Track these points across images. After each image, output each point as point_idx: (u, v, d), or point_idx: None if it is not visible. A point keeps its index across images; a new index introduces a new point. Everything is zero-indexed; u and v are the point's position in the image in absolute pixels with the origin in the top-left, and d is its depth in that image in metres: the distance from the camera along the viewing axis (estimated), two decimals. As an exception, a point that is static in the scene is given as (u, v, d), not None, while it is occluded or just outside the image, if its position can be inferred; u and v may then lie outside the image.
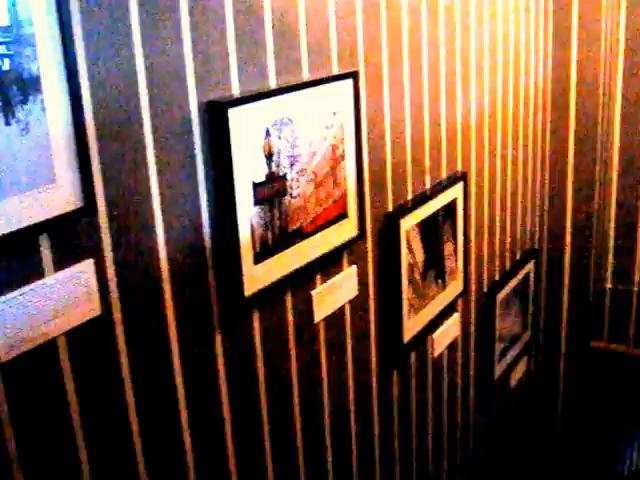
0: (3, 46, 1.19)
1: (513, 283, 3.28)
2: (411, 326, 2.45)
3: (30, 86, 1.22)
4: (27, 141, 1.23)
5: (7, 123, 1.20)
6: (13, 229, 1.22)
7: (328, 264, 2.02)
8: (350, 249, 2.10)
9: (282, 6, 1.75)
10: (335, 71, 1.96)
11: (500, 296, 3.14)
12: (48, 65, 1.25)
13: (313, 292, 1.98)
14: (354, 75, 1.98)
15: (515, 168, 3.21)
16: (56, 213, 1.29)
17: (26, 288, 1.28)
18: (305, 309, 1.97)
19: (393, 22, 2.17)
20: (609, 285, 3.85)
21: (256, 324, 1.81)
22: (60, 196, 1.29)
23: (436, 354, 2.73)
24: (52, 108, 1.26)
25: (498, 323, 3.16)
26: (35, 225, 1.26)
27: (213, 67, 1.59)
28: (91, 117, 1.34)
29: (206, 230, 1.62)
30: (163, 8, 1.46)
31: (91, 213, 1.35)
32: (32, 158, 1.24)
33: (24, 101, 1.22)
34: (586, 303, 3.76)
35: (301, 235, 1.87)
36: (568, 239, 3.68)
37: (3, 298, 1.24)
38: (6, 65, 1.19)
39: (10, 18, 1.18)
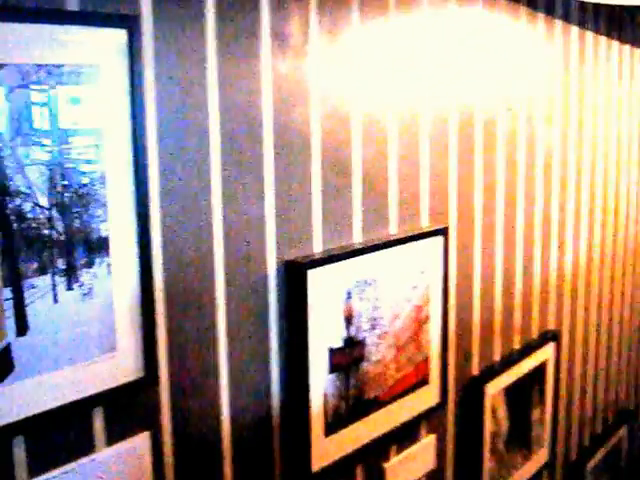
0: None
1: (604, 450, 3.01)
2: (492, 501, 2.23)
3: (97, 248, 1.15)
4: (89, 307, 1.14)
5: (69, 288, 1.12)
6: (66, 402, 1.13)
7: (404, 434, 1.85)
8: (429, 417, 1.93)
9: (372, 160, 1.66)
10: (424, 226, 1.85)
11: (589, 465, 2.87)
12: (119, 226, 1.17)
13: (386, 465, 1.81)
14: (444, 231, 1.87)
15: (610, 325, 3.00)
16: (113, 385, 1.18)
17: (74, 464, 1.17)
18: (377, 484, 1.80)
19: (488, 176, 2.07)
20: None
21: (322, 502, 1.64)
22: (119, 366, 1.19)
23: (518, 530, 2.47)
24: (119, 272, 1.18)
25: (587, 495, 2.88)
26: (90, 397, 1.16)
27: (295, 224, 1.50)
28: (161, 281, 1.25)
29: (274, 400, 1.49)
30: (247, 163, 1.38)
31: (152, 384, 1.24)
32: (93, 325, 1.15)
33: (89, 264, 1.14)
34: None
35: (378, 404, 1.72)
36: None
37: (50, 474, 1.14)
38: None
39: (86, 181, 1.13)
